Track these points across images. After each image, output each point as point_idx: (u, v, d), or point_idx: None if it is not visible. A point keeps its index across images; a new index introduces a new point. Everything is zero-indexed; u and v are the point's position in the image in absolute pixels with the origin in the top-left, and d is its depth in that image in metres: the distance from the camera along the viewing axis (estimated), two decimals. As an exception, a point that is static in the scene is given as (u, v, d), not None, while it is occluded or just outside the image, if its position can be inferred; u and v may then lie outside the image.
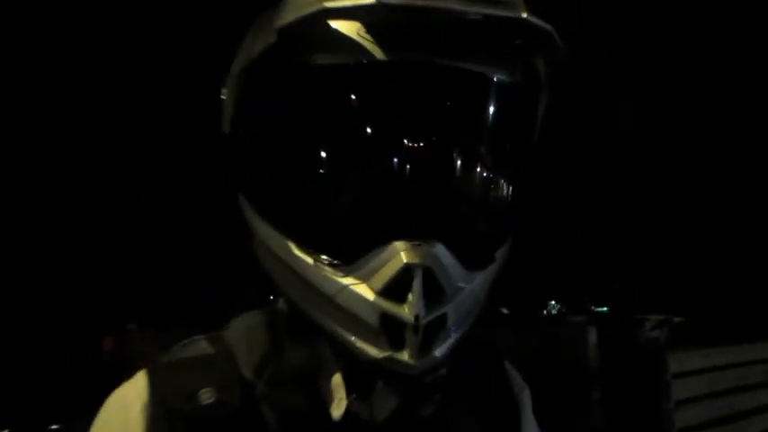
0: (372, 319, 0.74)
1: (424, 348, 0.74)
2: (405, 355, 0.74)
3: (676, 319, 4.18)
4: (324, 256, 0.76)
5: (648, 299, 4.43)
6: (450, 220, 0.77)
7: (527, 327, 3.97)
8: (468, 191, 0.79)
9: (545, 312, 4.73)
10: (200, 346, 0.84)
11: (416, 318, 0.73)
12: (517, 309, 4.31)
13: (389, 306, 0.74)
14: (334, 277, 0.75)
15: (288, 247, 0.78)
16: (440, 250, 0.75)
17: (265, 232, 0.81)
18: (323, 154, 0.76)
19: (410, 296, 0.73)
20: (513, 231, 0.85)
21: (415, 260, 0.74)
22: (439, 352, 0.76)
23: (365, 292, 0.75)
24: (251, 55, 0.79)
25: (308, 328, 0.80)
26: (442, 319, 0.76)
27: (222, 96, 0.86)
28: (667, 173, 4.94)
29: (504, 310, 4.28)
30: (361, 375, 0.79)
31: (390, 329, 0.74)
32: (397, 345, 0.74)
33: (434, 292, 0.75)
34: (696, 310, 4.42)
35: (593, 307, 4.60)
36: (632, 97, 4.82)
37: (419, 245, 0.74)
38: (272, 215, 0.80)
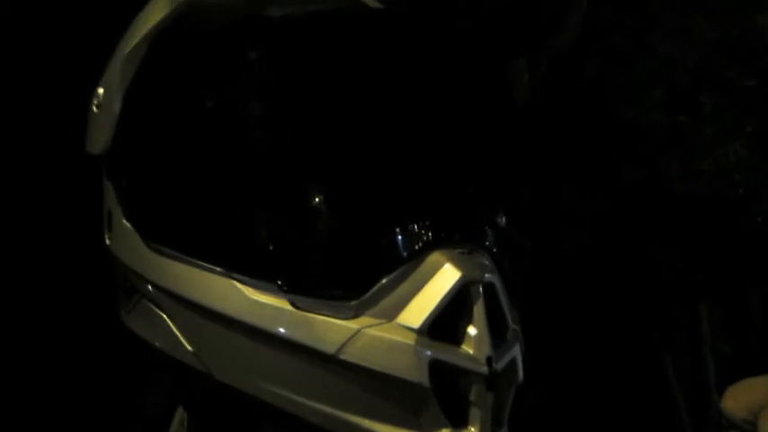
0: (417, 376, 0.45)
1: (497, 417, 0.48)
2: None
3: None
4: (311, 292, 0.46)
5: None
6: (497, 216, 0.51)
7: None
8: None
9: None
10: None
11: (489, 362, 0.46)
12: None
13: (444, 351, 0.46)
14: (337, 320, 0.46)
15: (235, 289, 0.47)
16: (489, 262, 0.50)
17: (170, 270, 0.49)
18: (302, 128, 0.49)
19: (472, 330, 0.46)
20: None
21: (475, 273, 0.47)
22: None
23: (398, 333, 0.46)
24: (151, 23, 0.55)
25: None
26: (514, 367, 0.50)
27: (94, 107, 0.60)
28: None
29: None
30: None
31: (445, 391, 0.46)
32: (459, 417, 0.46)
33: (497, 324, 0.49)
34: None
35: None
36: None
37: (468, 253, 0.48)
38: (201, 237, 0.49)
